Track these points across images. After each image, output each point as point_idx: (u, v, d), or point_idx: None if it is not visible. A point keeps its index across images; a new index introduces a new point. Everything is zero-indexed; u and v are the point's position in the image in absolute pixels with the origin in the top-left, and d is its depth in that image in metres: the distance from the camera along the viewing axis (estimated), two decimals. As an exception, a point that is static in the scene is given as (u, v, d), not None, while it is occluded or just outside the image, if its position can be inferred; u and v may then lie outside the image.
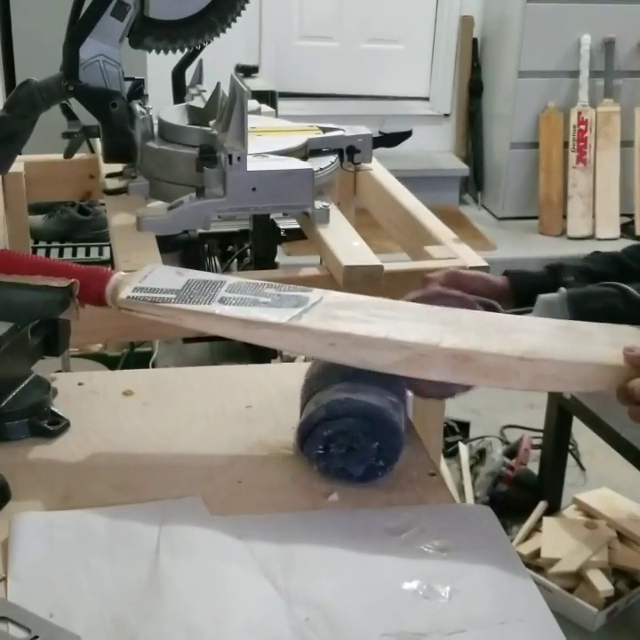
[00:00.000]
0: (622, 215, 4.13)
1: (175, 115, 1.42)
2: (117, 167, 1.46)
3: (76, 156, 1.60)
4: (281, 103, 2.10)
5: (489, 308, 0.99)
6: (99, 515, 0.82)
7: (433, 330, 0.90)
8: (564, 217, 4.13)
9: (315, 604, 0.73)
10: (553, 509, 2.27)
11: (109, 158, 1.40)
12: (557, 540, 2.11)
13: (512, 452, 2.53)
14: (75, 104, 1.42)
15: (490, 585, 0.76)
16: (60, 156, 1.60)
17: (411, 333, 0.89)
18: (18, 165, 1.57)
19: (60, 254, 2.53)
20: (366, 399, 0.87)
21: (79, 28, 1.30)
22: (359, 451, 0.87)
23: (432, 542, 0.80)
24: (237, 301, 0.92)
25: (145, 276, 0.97)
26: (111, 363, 2.18)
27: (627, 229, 4.14)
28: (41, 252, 2.48)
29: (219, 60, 1.93)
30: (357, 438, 0.86)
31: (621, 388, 0.86)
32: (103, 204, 1.79)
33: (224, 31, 1.39)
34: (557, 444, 2.29)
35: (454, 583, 0.76)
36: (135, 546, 0.78)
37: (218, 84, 1.34)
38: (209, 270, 2.18)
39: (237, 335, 0.91)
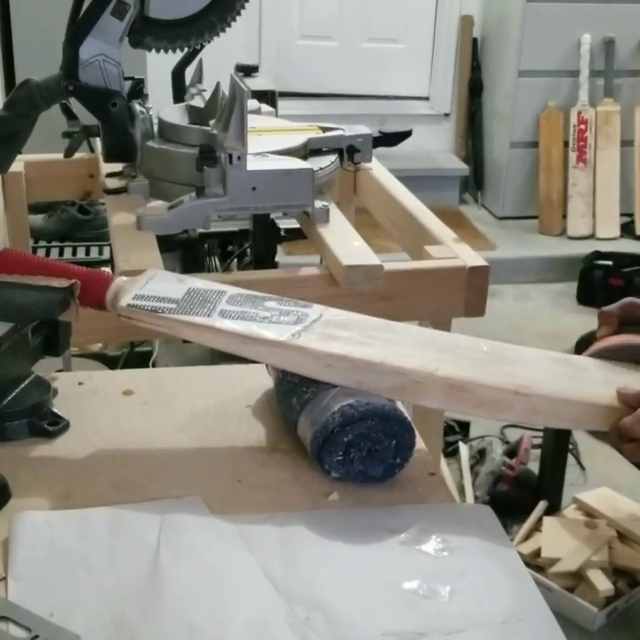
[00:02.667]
0: (622, 215, 4.14)
1: (175, 114, 1.42)
2: (117, 167, 1.45)
3: (76, 155, 1.60)
4: (281, 103, 2.10)
5: None
6: (99, 514, 0.82)
7: (430, 357, 0.91)
8: (564, 216, 4.13)
9: (315, 603, 0.73)
10: (553, 509, 2.27)
11: (109, 158, 1.40)
12: (557, 539, 2.11)
13: (512, 451, 2.53)
14: (75, 103, 1.42)
15: (490, 584, 0.76)
16: (60, 156, 1.60)
17: (408, 359, 0.89)
18: (18, 165, 1.57)
19: (60, 254, 2.52)
20: (373, 400, 0.87)
21: (79, 28, 1.30)
22: (380, 451, 0.87)
23: (432, 542, 0.80)
24: (237, 315, 0.93)
25: (146, 282, 0.97)
26: (111, 362, 2.18)
27: (627, 229, 4.14)
28: (41, 252, 2.48)
29: (219, 59, 1.93)
30: (379, 439, 0.86)
31: (614, 427, 0.87)
32: (103, 204, 1.79)
33: (224, 30, 1.39)
34: (557, 444, 2.29)
35: (454, 583, 0.76)
36: (135, 545, 0.78)
37: (218, 84, 1.34)
38: (209, 270, 2.18)
39: (235, 350, 0.92)
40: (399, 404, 0.93)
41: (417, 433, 0.96)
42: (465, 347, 0.94)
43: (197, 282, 0.99)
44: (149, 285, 0.96)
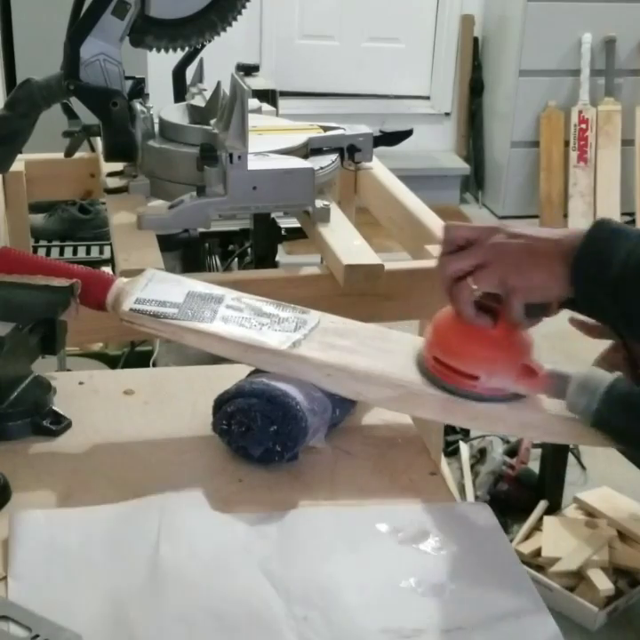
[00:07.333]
0: (623, 214, 4.13)
1: (176, 113, 1.42)
2: (118, 166, 1.46)
3: (77, 154, 1.60)
4: (282, 102, 2.09)
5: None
6: (98, 511, 0.82)
7: None
8: (565, 216, 4.13)
9: (313, 602, 0.73)
10: (554, 508, 2.27)
11: (110, 157, 1.40)
12: (558, 539, 2.11)
13: (513, 450, 2.53)
14: (75, 103, 1.42)
15: (487, 581, 0.77)
16: (60, 155, 1.60)
17: (405, 371, 0.91)
18: (19, 164, 1.57)
19: (61, 253, 2.52)
20: (277, 385, 0.89)
21: (80, 27, 1.30)
22: (256, 431, 0.88)
23: (430, 540, 0.80)
24: (238, 321, 0.94)
25: (146, 283, 0.97)
26: (112, 362, 2.17)
27: (627, 228, 4.14)
28: (41, 251, 2.48)
29: (219, 58, 1.93)
30: (255, 418, 0.88)
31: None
32: (104, 203, 1.79)
33: (225, 30, 1.39)
34: (558, 444, 2.29)
35: (452, 580, 0.76)
36: (135, 542, 0.78)
37: (218, 83, 1.34)
38: (210, 269, 2.18)
39: (236, 356, 0.93)
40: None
41: (418, 432, 0.96)
42: None
43: (196, 284, 0.99)
44: (150, 287, 0.97)
